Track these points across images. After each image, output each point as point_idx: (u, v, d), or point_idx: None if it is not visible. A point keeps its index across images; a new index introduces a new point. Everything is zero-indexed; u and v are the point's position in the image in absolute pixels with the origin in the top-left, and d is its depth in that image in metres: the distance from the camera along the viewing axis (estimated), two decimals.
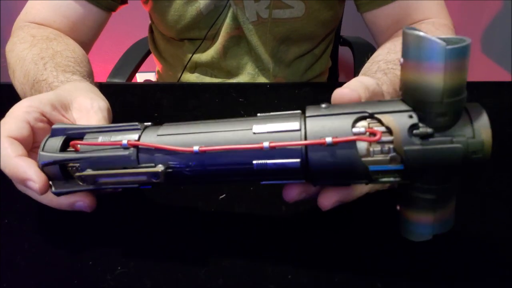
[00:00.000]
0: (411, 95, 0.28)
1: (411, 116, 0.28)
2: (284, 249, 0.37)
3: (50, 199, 0.35)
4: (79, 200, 0.34)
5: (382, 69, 0.48)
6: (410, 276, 0.34)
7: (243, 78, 0.74)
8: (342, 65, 1.14)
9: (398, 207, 0.32)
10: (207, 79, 0.76)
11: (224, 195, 0.43)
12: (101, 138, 0.33)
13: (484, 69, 1.61)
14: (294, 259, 0.36)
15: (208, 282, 0.34)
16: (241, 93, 0.62)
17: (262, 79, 0.74)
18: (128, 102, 0.61)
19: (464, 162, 0.27)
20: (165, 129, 0.33)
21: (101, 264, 0.36)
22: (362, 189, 0.33)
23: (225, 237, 0.39)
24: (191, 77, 0.77)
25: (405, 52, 0.28)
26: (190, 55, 0.74)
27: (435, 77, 0.26)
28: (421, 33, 0.26)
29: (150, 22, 0.81)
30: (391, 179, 0.29)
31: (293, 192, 0.33)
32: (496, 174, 0.45)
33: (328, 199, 0.32)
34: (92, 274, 0.35)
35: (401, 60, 0.29)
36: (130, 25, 1.44)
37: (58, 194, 0.34)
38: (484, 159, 0.27)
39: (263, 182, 0.32)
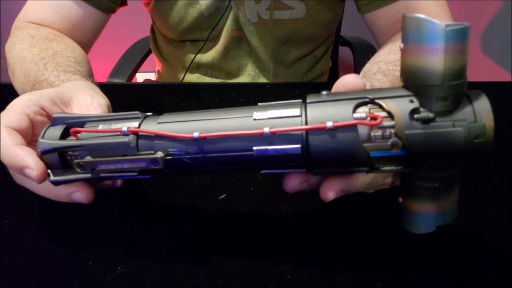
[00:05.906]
0: (412, 81, 0.28)
1: (412, 101, 0.28)
2: (284, 249, 0.37)
3: (47, 189, 0.34)
4: (77, 191, 0.34)
5: (382, 70, 0.47)
6: (410, 276, 0.34)
7: (243, 79, 0.74)
8: (342, 65, 1.14)
9: (400, 199, 0.32)
10: (208, 80, 0.76)
11: (224, 195, 0.43)
12: (101, 126, 0.33)
13: (484, 69, 1.60)
14: (294, 259, 0.36)
15: (208, 282, 0.34)
16: (241, 93, 0.62)
17: (262, 80, 0.74)
18: (128, 102, 0.61)
19: (466, 146, 0.27)
20: (166, 117, 0.33)
21: (101, 264, 0.36)
22: (364, 179, 0.32)
23: (225, 237, 0.38)
24: (192, 78, 0.77)
25: (405, 37, 0.28)
26: (192, 56, 0.74)
27: (435, 59, 0.26)
28: (421, 16, 0.26)
29: (151, 22, 0.81)
30: (393, 167, 0.29)
31: (294, 181, 0.32)
32: (496, 173, 0.45)
33: (330, 189, 0.31)
34: (92, 274, 0.35)
35: (401, 45, 0.28)
36: (130, 25, 1.44)
37: (56, 183, 0.33)
38: (486, 143, 0.27)
39: (264, 171, 0.32)
